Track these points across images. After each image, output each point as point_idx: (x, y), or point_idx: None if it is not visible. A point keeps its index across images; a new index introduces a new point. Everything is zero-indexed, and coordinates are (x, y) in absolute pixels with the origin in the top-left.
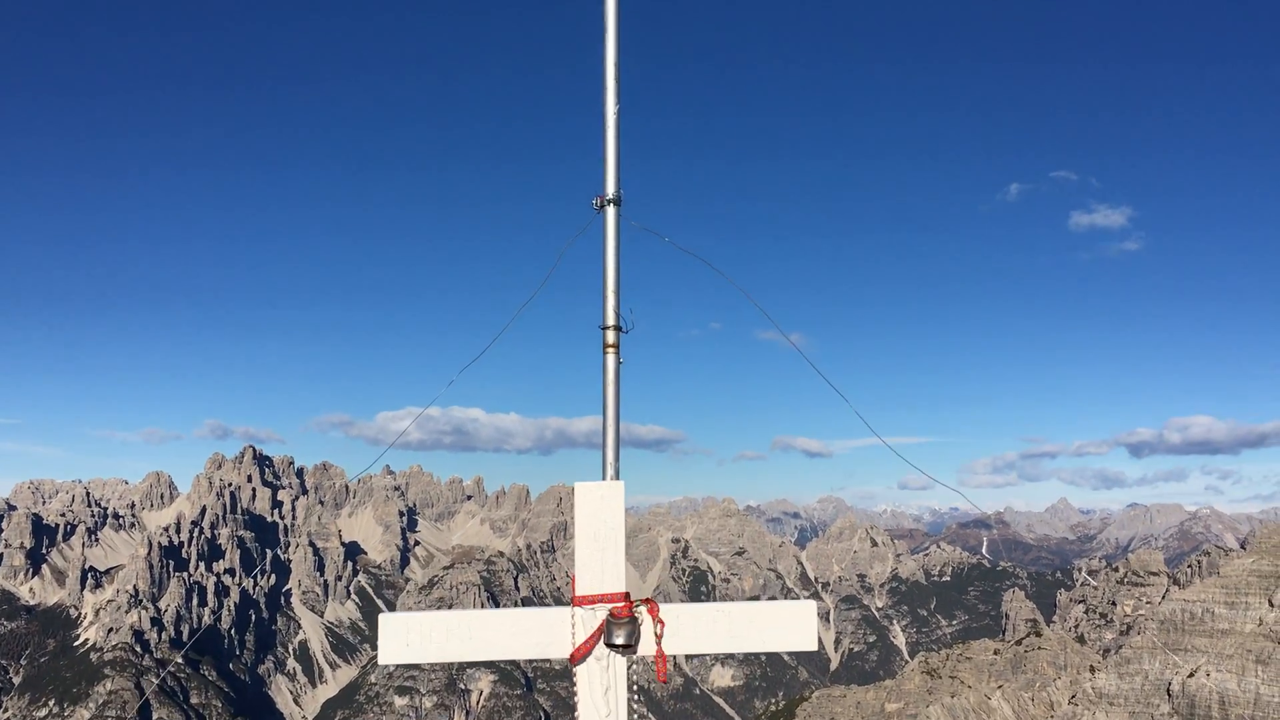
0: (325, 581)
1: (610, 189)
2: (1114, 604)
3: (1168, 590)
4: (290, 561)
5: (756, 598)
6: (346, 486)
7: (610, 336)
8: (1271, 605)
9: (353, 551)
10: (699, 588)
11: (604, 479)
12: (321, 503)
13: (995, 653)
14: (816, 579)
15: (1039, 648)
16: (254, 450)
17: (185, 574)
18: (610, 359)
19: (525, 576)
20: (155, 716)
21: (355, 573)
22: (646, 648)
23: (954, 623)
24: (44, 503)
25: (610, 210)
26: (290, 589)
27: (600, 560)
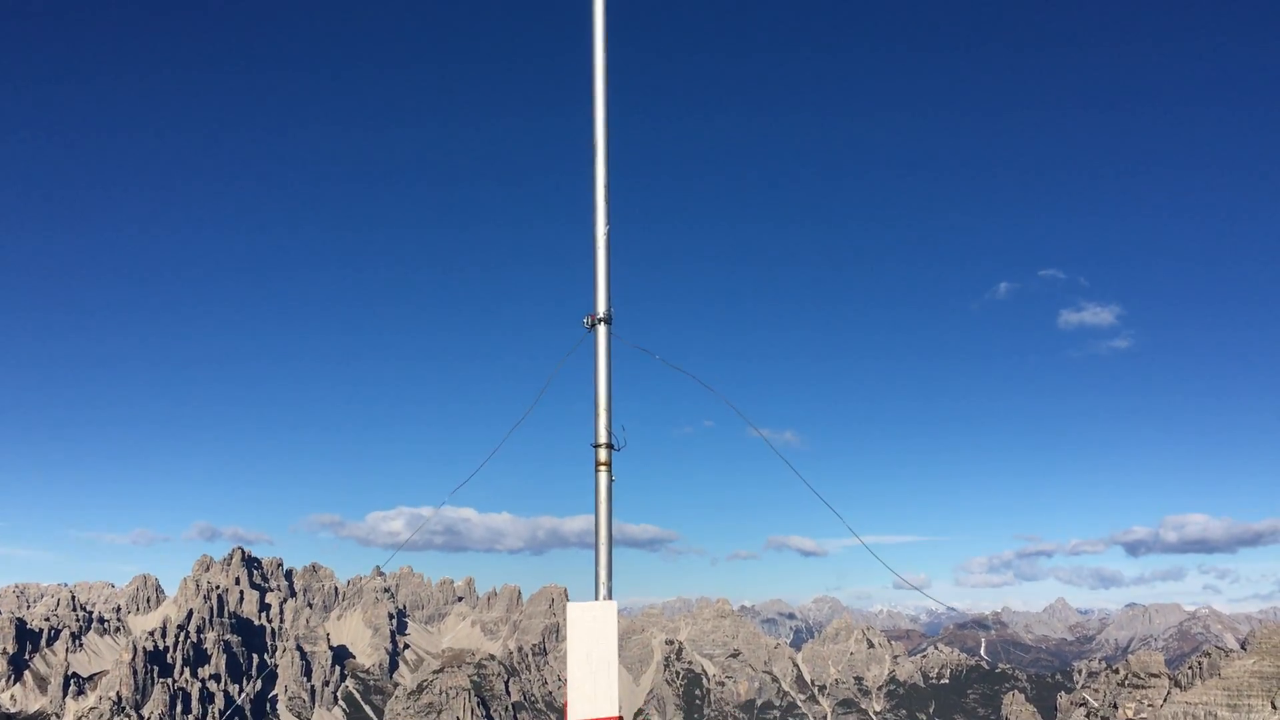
0: (312, 687)
1: (601, 308)
2: (1115, 707)
3: (1169, 692)
4: (277, 666)
5: (752, 701)
6: (336, 588)
7: (602, 455)
8: (1274, 707)
9: (341, 655)
10: (693, 691)
11: (596, 598)
12: (310, 605)
13: None
14: (813, 681)
15: None
16: (242, 552)
17: (170, 680)
18: (603, 477)
19: (517, 680)
20: None
21: (343, 677)
22: None
23: None
24: (29, 607)
25: (601, 328)
26: (276, 695)
27: (593, 683)
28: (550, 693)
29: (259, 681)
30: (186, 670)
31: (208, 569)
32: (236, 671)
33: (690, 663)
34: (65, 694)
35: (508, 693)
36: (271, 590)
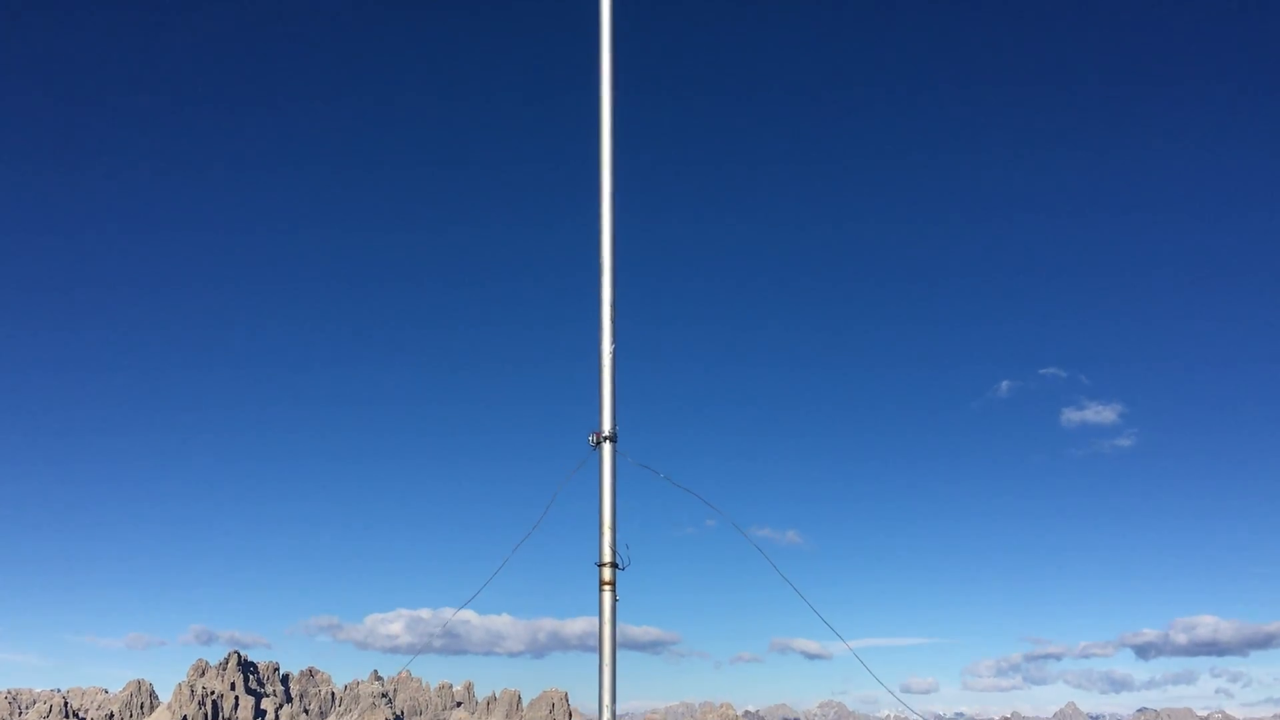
0: None
1: (606, 426)
2: None
3: None
4: None
5: None
6: (333, 693)
7: (606, 574)
8: None
9: None
10: None
11: None
12: (306, 711)
13: None
14: None
15: None
16: (239, 656)
17: None
18: (606, 597)
19: None
20: None
21: None
22: None
23: None
24: (20, 713)
25: (606, 446)
26: None
27: None
28: None
29: None
30: None
31: (203, 674)
32: None
33: None
34: None
35: None
36: (267, 695)
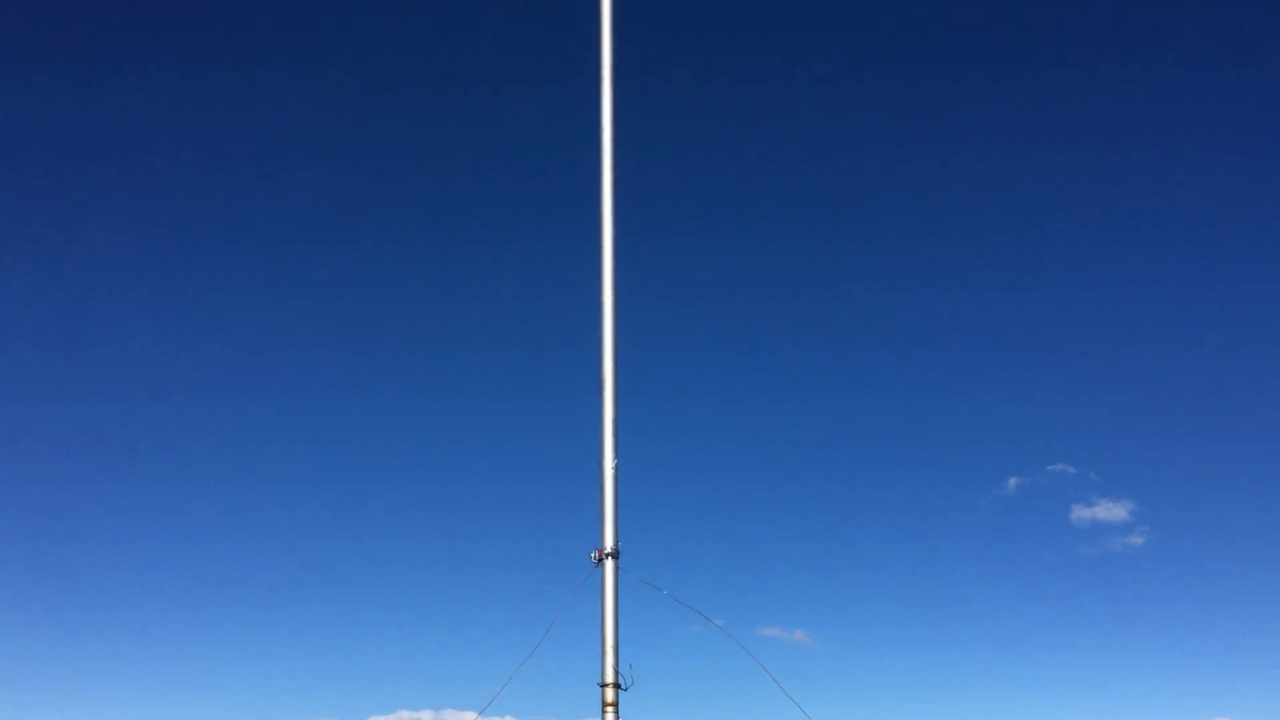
0: None
1: (609, 542)
2: None
3: None
4: None
5: None
6: None
7: (609, 695)
8: None
9: None
10: None
11: None
12: None
13: None
14: None
15: None
16: None
17: None
18: (609, 718)
19: None
20: None
21: None
22: None
23: None
24: None
25: (609, 563)
26: None
27: None
28: None
29: None
30: None
31: None
32: None
33: None
34: None
35: None
36: None
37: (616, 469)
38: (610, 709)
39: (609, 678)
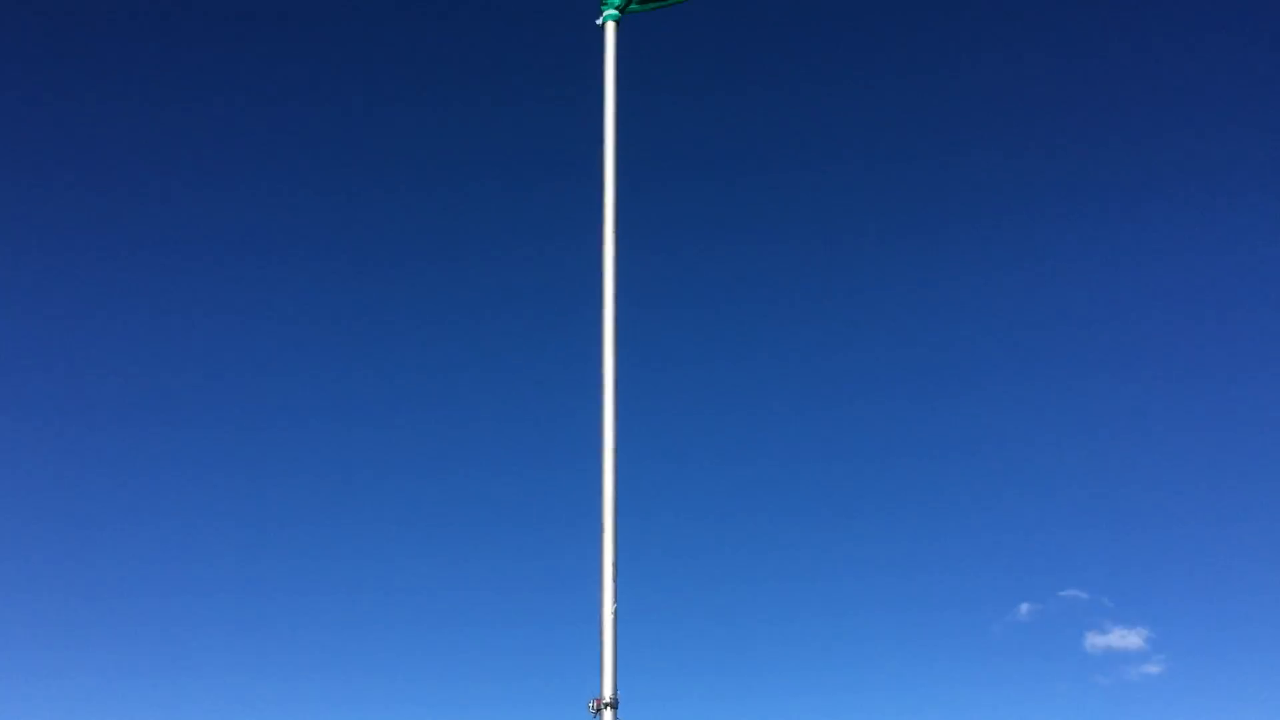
0: None
1: (607, 692)
2: None
3: None
4: None
5: None
6: None
7: None
8: None
9: None
10: None
11: None
12: None
13: None
14: None
15: None
16: None
17: None
18: None
19: None
20: None
21: None
22: None
23: None
24: None
25: (607, 714)
26: None
27: None
28: None
29: None
30: None
31: None
32: None
33: None
34: None
35: None
36: None
37: (616, 613)
38: None
39: None
